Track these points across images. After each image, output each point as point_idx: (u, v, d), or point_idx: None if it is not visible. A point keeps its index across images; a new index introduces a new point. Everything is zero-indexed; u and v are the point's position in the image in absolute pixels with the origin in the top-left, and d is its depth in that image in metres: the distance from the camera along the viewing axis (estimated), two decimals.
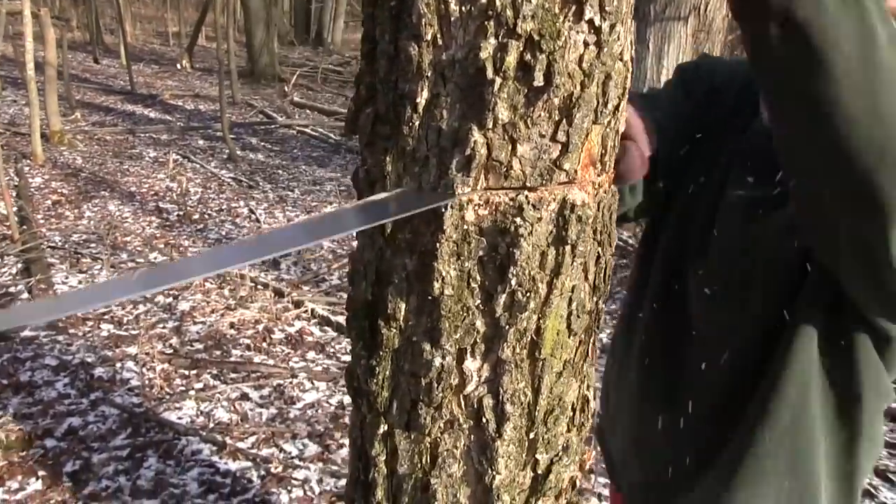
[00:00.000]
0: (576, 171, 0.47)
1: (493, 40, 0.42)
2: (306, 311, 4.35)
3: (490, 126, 0.44)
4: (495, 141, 0.44)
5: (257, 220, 5.69)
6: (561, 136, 0.45)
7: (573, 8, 0.42)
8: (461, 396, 0.51)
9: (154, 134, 8.05)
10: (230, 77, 8.60)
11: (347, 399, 3.64)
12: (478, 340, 0.49)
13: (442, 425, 0.52)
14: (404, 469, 0.54)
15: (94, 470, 2.99)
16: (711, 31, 5.17)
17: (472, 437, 0.52)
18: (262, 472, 3.13)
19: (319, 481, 3.10)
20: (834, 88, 0.51)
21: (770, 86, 0.58)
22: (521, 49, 0.42)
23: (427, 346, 0.49)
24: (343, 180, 7.07)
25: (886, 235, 0.59)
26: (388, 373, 0.52)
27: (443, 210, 0.45)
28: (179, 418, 3.35)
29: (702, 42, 6.17)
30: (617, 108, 0.47)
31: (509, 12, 0.41)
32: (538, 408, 0.52)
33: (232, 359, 3.80)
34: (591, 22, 0.43)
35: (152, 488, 2.94)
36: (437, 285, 0.47)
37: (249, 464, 3.14)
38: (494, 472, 0.52)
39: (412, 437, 0.53)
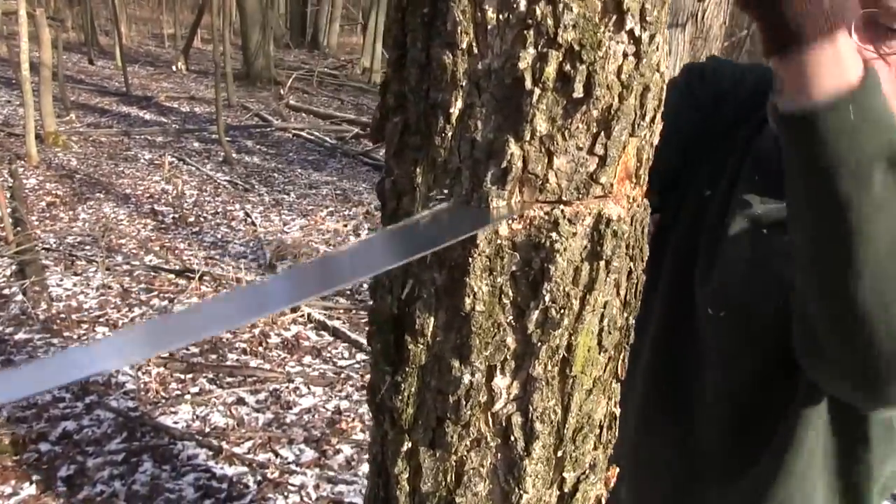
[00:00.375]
0: (612, 185, 0.46)
1: (532, 50, 0.41)
2: (303, 315, 4.33)
3: (527, 138, 0.42)
4: (532, 153, 0.43)
5: (253, 224, 5.68)
6: (599, 149, 0.44)
7: (614, 18, 0.41)
8: (489, 414, 0.49)
9: (149, 136, 8.02)
10: (226, 79, 8.58)
11: (344, 404, 3.63)
12: (508, 357, 0.48)
13: (469, 443, 0.50)
14: (428, 487, 0.53)
15: (89, 474, 2.96)
16: (709, 39, 5.18)
17: (500, 455, 0.51)
18: (259, 478, 3.11)
19: (316, 487, 3.08)
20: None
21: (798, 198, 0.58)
22: (561, 59, 0.41)
23: (456, 363, 0.48)
24: (339, 184, 7.06)
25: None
26: (413, 389, 0.50)
27: (477, 225, 0.44)
28: (175, 423, 3.32)
29: (699, 49, 6.19)
30: (653, 120, 0.46)
31: (550, 21, 0.40)
32: (567, 426, 0.50)
33: (228, 363, 3.78)
34: (631, 32, 0.42)
35: (148, 493, 2.91)
36: (468, 301, 0.46)
37: (246, 469, 3.12)
38: (522, 492, 0.51)
39: (437, 454, 0.51)
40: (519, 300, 0.46)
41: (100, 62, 13.32)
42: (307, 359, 4.01)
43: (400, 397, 0.51)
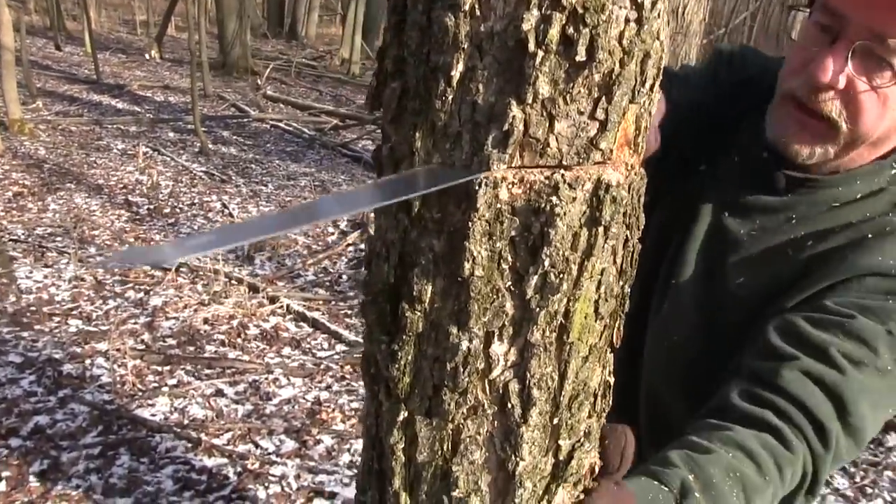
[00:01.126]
0: (611, 151, 0.46)
1: (536, 11, 0.41)
2: (281, 306, 4.31)
3: (529, 101, 0.42)
4: (533, 117, 0.43)
5: (230, 215, 5.62)
6: (600, 114, 0.44)
7: None
8: (486, 381, 0.50)
9: (122, 125, 7.90)
10: (202, 69, 8.48)
11: (324, 395, 3.62)
12: (506, 323, 0.48)
13: (465, 411, 0.50)
14: (424, 457, 0.53)
15: (64, 469, 2.92)
16: (689, 34, 5.24)
17: (496, 423, 0.51)
18: (239, 469, 3.09)
19: (297, 477, 3.07)
20: None
21: None
22: (564, 22, 0.41)
23: (454, 330, 0.48)
24: (318, 175, 7.02)
25: None
26: (410, 358, 0.50)
27: (476, 188, 0.44)
28: (153, 415, 3.29)
29: (679, 44, 6.23)
30: (652, 87, 0.46)
31: None
32: (563, 393, 0.51)
33: (206, 355, 3.75)
34: None
35: (125, 486, 2.88)
36: (467, 266, 0.46)
37: (225, 460, 3.10)
38: (518, 459, 0.51)
39: (434, 423, 0.51)
40: (518, 265, 0.46)
41: (68, 48, 13.04)
42: (286, 350, 3.99)
43: (396, 366, 0.50)
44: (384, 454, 0.56)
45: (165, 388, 3.42)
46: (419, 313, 0.48)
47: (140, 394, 3.40)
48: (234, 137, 7.99)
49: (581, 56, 0.42)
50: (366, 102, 0.52)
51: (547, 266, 0.46)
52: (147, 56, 12.60)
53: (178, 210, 5.59)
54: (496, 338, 0.48)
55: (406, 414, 0.52)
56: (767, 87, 0.93)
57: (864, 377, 0.80)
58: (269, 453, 3.17)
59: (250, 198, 6.08)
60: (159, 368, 3.58)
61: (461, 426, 0.51)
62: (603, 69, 0.43)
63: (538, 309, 0.47)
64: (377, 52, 0.52)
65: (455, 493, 0.52)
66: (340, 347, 4.18)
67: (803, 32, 0.87)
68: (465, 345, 0.48)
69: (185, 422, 3.23)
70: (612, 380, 0.54)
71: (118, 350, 3.64)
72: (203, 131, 7.21)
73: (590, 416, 0.53)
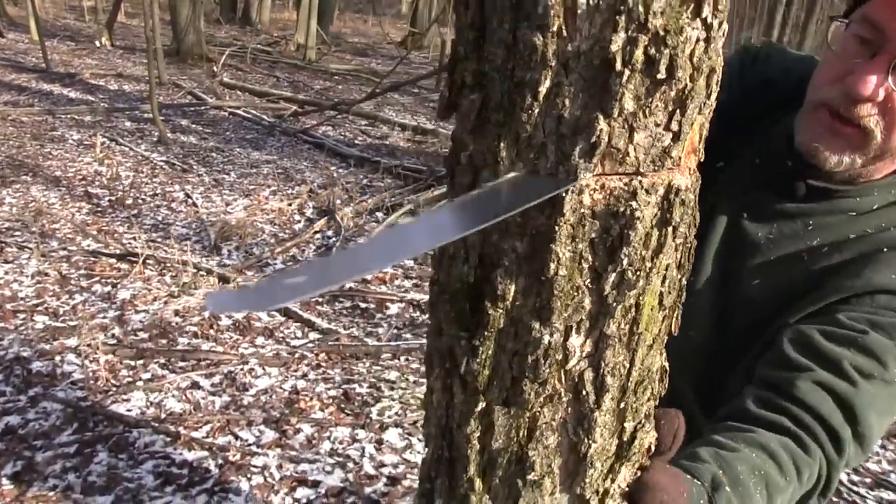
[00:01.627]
0: (680, 158, 0.50)
1: (623, 34, 0.45)
2: None
3: (615, 115, 0.46)
4: (616, 129, 0.47)
5: (194, 205, 5.55)
6: (674, 126, 0.48)
7: (692, 6, 0.45)
8: (563, 371, 0.54)
9: (76, 115, 7.69)
10: (156, 56, 8.29)
11: (301, 384, 3.63)
12: (584, 318, 0.52)
13: (542, 400, 0.54)
14: (499, 444, 0.57)
15: (39, 469, 2.88)
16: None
17: (570, 409, 0.55)
18: (220, 461, 3.09)
19: (279, 467, 3.08)
20: None
21: None
22: (647, 43, 0.45)
23: (536, 325, 0.52)
24: (280, 163, 6.95)
25: None
26: (490, 352, 0.54)
27: (563, 195, 0.48)
28: (129, 410, 3.26)
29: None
30: (714, 99, 0.50)
31: (641, 8, 0.44)
32: (631, 379, 0.55)
33: (179, 347, 3.73)
34: (704, 19, 0.46)
35: (105, 484, 2.86)
36: (552, 266, 0.50)
37: (206, 453, 3.10)
38: (591, 441, 0.56)
39: (511, 412, 0.55)
40: (597, 264, 0.51)
41: (11, 35, 12.58)
42: (260, 340, 3.98)
43: (477, 360, 0.54)
44: (455, 443, 0.60)
45: (140, 383, 3.39)
46: (501, 310, 0.52)
47: (114, 389, 3.36)
48: (193, 126, 7.86)
49: (661, 74, 0.46)
50: (439, 112, 0.55)
51: (625, 264, 0.50)
52: (97, 43, 12.24)
53: (140, 201, 5.49)
54: (574, 331, 0.52)
55: (484, 404, 0.56)
56: (788, 88, 0.96)
57: (873, 389, 0.86)
58: (250, 444, 3.17)
59: (213, 187, 6.00)
60: (132, 363, 3.55)
61: (538, 414, 0.55)
62: (679, 85, 0.47)
63: (615, 304, 0.51)
64: (448, 65, 0.55)
65: (530, 477, 0.57)
66: (314, 336, 4.18)
67: (841, 43, 0.90)
68: (546, 339, 0.52)
69: (163, 416, 3.22)
70: (667, 365, 0.59)
71: (89, 345, 3.59)
72: (161, 120, 7.06)
73: (650, 400, 0.58)
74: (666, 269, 0.53)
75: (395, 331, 4.36)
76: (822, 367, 0.86)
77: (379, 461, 3.21)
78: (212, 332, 3.90)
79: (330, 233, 5.43)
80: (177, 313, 3.97)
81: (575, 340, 0.53)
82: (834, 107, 0.89)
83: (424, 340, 4.27)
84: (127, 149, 6.69)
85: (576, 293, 0.51)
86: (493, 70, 0.49)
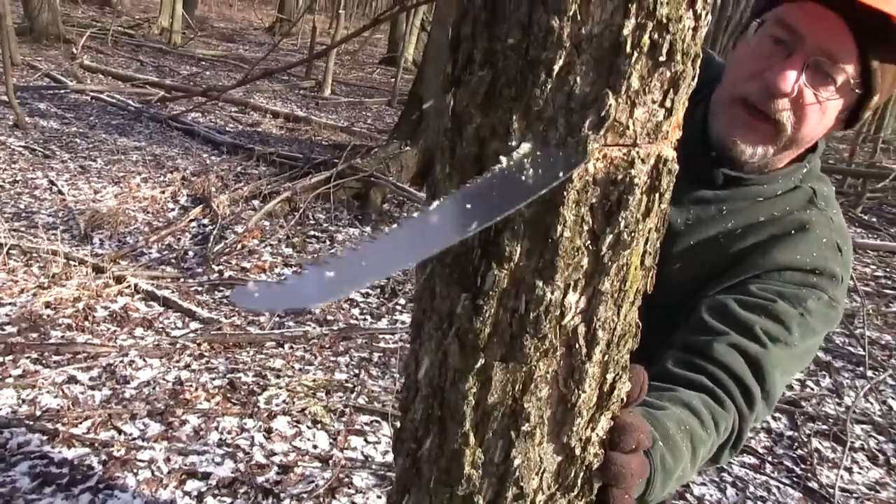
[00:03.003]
0: (668, 132, 0.56)
1: (633, 20, 0.50)
2: (129, 286, 4.09)
3: (622, 92, 0.52)
4: (620, 105, 0.52)
5: (60, 192, 5.20)
6: (667, 103, 0.55)
7: None
8: (559, 326, 0.59)
9: None
10: (7, 35, 7.66)
11: (185, 374, 3.51)
12: (581, 276, 0.58)
13: (538, 354, 0.59)
14: (494, 398, 0.61)
15: None
16: None
17: (562, 362, 0.61)
18: (103, 457, 2.95)
19: (167, 460, 2.98)
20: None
21: None
22: (652, 29, 0.51)
23: (539, 283, 0.57)
24: (150, 150, 6.63)
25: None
26: (492, 311, 0.58)
27: (573, 164, 0.53)
28: None
29: None
30: (696, 81, 0.57)
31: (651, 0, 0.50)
32: (615, 333, 0.61)
33: (52, 341, 3.51)
34: (696, 10, 0.53)
35: None
36: (559, 229, 0.55)
37: (87, 450, 2.95)
38: (580, 392, 0.61)
39: (509, 367, 0.60)
40: (595, 226, 0.56)
41: None
42: (139, 331, 3.81)
43: (480, 319, 0.58)
44: (446, 402, 0.64)
45: (10, 380, 3.17)
46: (506, 271, 0.57)
47: None
48: (53, 110, 7.33)
49: (663, 57, 0.52)
50: (443, 86, 0.59)
51: (622, 227, 0.56)
52: None
53: None
54: (571, 289, 0.58)
55: (483, 361, 0.60)
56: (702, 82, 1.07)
57: (779, 351, 0.98)
58: (134, 438, 3.04)
59: (80, 174, 5.65)
60: (0, 359, 3.30)
61: (534, 367, 0.60)
62: (675, 67, 0.53)
63: (610, 263, 0.57)
64: (449, 44, 0.58)
65: (524, 428, 0.62)
66: (195, 325, 4.05)
67: (755, 42, 1.00)
68: (548, 296, 0.57)
69: (38, 413, 3.02)
70: (640, 321, 0.66)
71: None
72: (17, 103, 6.54)
73: (627, 353, 0.64)
74: (649, 232, 0.59)
75: (278, 318, 4.29)
76: (736, 331, 0.96)
77: (269, 450, 3.17)
78: (87, 323, 3.70)
79: (206, 221, 5.26)
80: (48, 305, 3.73)
81: (571, 297, 0.58)
82: (751, 100, 0.99)
83: (308, 328, 4.24)
84: None
85: (576, 253, 0.56)
86: (506, 49, 0.53)
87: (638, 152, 0.55)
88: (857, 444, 3.83)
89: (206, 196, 5.51)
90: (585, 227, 0.56)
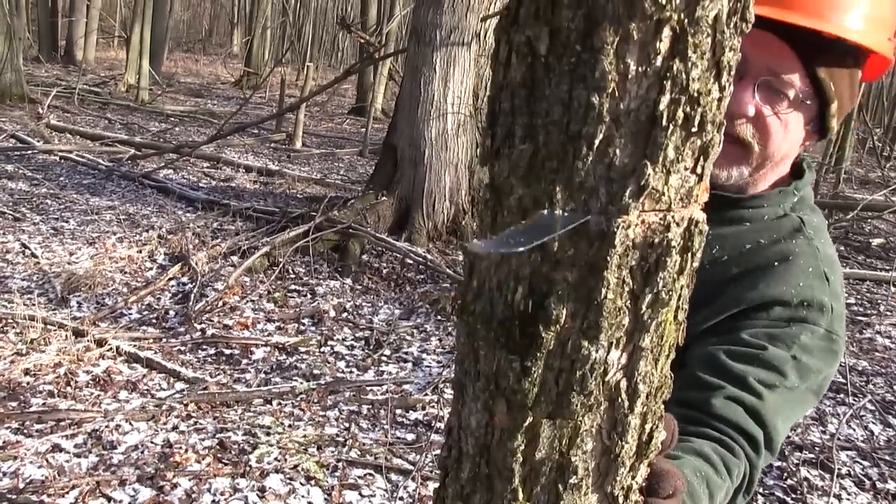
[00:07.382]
0: (698, 196, 0.60)
1: (668, 96, 0.54)
2: (111, 349, 4.04)
3: (659, 162, 0.56)
4: (657, 173, 0.56)
5: (34, 255, 5.15)
6: (699, 170, 0.59)
7: (714, 72, 0.56)
8: (602, 382, 0.62)
9: None
10: None
11: (174, 436, 3.46)
12: (622, 335, 0.61)
13: (584, 410, 0.62)
14: (542, 454, 0.64)
15: None
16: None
17: (605, 415, 0.63)
18: None
19: None
20: None
21: None
22: (685, 102, 0.55)
23: (585, 343, 0.60)
24: (123, 208, 6.60)
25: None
26: (539, 371, 0.61)
27: (614, 231, 0.56)
28: None
29: (483, 66, 6.66)
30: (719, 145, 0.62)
31: (684, 75, 0.54)
32: (654, 385, 0.64)
33: (33, 409, 3.44)
34: (720, 83, 0.57)
35: None
36: (602, 291, 0.58)
37: None
38: (623, 443, 0.64)
39: (556, 423, 0.63)
40: (634, 287, 0.60)
41: None
42: (123, 394, 3.75)
43: (529, 380, 0.61)
44: (493, 459, 0.66)
45: None
46: (552, 333, 0.60)
47: None
48: (21, 171, 7.28)
49: (695, 128, 0.56)
50: (481, 159, 0.62)
51: (660, 286, 0.60)
52: None
53: None
54: (613, 347, 0.61)
55: (532, 419, 0.63)
56: None
57: (776, 397, 1.02)
58: None
59: (53, 235, 5.60)
60: None
61: (579, 423, 0.62)
62: (706, 137, 0.57)
63: (650, 321, 0.61)
64: (487, 119, 0.62)
65: (572, 480, 0.64)
66: (180, 385, 4.00)
67: None
68: (593, 355, 0.60)
69: (21, 485, 2.95)
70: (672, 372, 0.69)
71: None
72: None
73: (663, 402, 0.67)
74: (682, 290, 0.63)
75: (264, 375, 4.25)
76: (730, 384, 1.00)
77: None
78: (69, 389, 3.64)
79: (185, 279, 5.23)
80: (27, 372, 3.66)
81: (614, 354, 0.61)
82: None
83: (295, 384, 4.20)
84: None
85: (618, 313, 0.59)
86: (547, 123, 0.57)
87: (673, 216, 0.58)
88: (844, 470, 3.88)
89: (184, 254, 5.48)
90: (626, 289, 0.59)
